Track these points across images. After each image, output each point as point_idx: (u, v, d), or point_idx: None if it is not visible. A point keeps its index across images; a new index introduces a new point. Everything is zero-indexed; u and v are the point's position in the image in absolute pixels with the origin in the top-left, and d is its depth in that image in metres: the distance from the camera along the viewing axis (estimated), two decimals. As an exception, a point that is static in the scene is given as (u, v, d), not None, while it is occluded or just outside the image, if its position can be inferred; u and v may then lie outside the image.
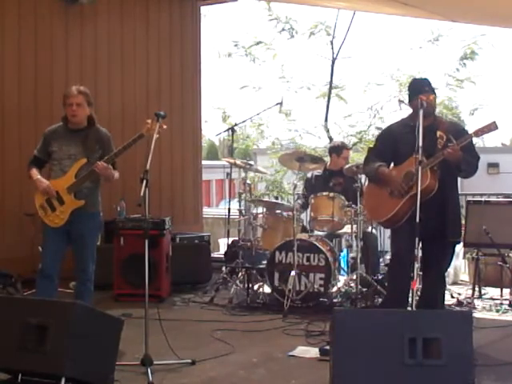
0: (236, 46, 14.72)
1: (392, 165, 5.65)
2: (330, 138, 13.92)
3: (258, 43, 14.49)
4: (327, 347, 4.87)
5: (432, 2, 8.09)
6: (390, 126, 5.89)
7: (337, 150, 7.97)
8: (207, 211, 12.61)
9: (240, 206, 7.83)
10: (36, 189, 5.66)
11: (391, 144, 5.59)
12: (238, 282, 7.35)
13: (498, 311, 6.80)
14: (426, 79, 5.66)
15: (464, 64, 13.82)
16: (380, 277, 7.19)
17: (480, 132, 5.18)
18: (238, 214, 7.79)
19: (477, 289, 7.39)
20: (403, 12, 9.40)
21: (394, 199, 5.45)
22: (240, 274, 7.43)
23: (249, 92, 15.07)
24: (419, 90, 5.45)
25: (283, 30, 14.13)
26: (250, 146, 15.75)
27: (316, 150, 13.34)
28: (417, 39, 14.55)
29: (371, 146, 6.41)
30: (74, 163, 5.63)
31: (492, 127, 5.13)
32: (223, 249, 9.30)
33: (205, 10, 11.90)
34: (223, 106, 15.31)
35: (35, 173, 5.68)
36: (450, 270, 7.98)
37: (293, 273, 6.81)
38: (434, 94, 5.45)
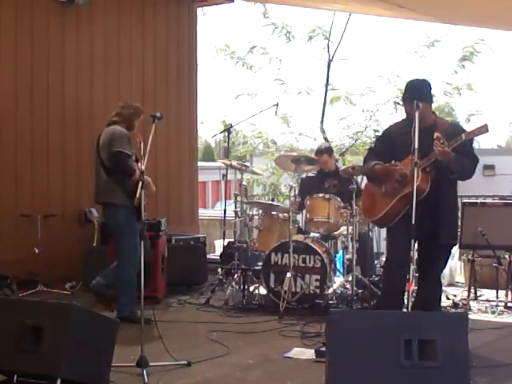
0: (232, 57, 14.67)
1: None
2: (326, 140, 13.92)
3: (252, 47, 14.45)
4: (323, 348, 4.86)
5: (426, 4, 8.11)
6: (390, 126, 5.91)
7: (315, 152, 8.06)
8: (203, 212, 12.62)
9: (236, 207, 7.84)
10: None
11: (389, 144, 5.61)
12: (233, 283, 7.35)
13: (493, 313, 6.80)
14: (421, 84, 5.60)
15: (463, 66, 13.82)
16: (375, 278, 7.21)
17: (471, 134, 5.19)
18: (233, 215, 7.79)
19: (472, 290, 7.40)
20: (398, 14, 9.43)
21: (387, 199, 5.47)
22: (236, 275, 7.43)
23: (245, 99, 14.98)
24: (403, 96, 5.50)
25: (280, 35, 14.11)
26: (250, 151, 15.70)
27: (312, 152, 13.31)
28: (413, 43, 14.51)
29: (369, 147, 6.43)
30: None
31: (483, 130, 5.13)
32: (219, 250, 9.30)
33: (204, 10, 11.98)
34: (222, 115, 15.28)
35: None
36: (446, 271, 8.00)
37: (288, 274, 6.81)
38: (425, 101, 5.35)
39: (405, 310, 5.06)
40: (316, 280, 6.92)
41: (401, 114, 5.87)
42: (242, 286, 7.19)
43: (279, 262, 7.03)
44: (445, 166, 5.24)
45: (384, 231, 6.43)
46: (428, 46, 14.02)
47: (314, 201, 7.29)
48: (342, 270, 7.63)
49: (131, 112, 6.35)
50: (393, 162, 5.48)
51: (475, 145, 5.92)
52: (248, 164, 9.54)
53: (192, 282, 8.02)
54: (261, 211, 7.81)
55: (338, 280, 7.43)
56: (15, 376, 4.22)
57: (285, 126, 14.77)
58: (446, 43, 14.00)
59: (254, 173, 8.94)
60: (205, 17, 13.62)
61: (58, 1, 8.47)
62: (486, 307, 6.99)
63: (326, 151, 8.08)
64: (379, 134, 9.21)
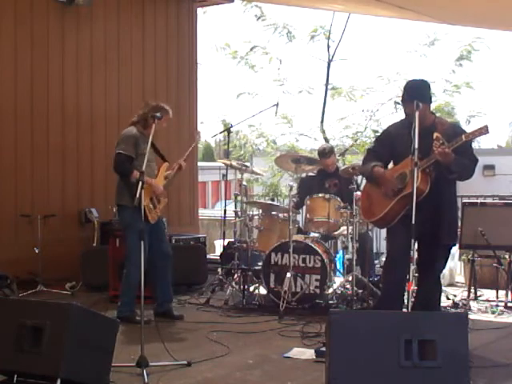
0: (234, 57, 14.66)
1: (391, 164, 5.67)
2: (326, 140, 13.93)
3: (253, 47, 14.45)
4: (323, 348, 4.87)
5: (426, 4, 8.11)
6: (389, 126, 5.89)
7: (320, 154, 8.00)
8: (203, 213, 12.61)
9: (236, 207, 7.84)
10: (147, 189, 5.90)
11: (388, 145, 5.60)
12: (233, 283, 7.35)
13: (493, 313, 6.80)
14: (420, 84, 5.60)
15: (460, 65, 13.83)
16: (375, 278, 7.21)
17: (471, 135, 5.18)
18: (233, 215, 7.79)
19: (472, 290, 7.39)
20: (400, 15, 9.43)
21: (386, 200, 5.47)
22: (236, 275, 7.43)
23: (246, 98, 14.98)
24: (403, 97, 5.49)
25: (281, 35, 14.13)
26: (250, 152, 15.68)
27: (312, 152, 13.32)
28: (414, 42, 14.53)
29: (368, 147, 6.42)
30: (160, 166, 6.46)
31: (483, 131, 5.12)
32: (219, 250, 9.31)
33: (204, 9, 11.99)
34: (222, 114, 15.29)
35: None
36: (446, 271, 8.01)
37: (288, 274, 6.81)
38: (425, 101, 5.30)
39: (405, 309, 5.06)
40: (316, 280, 6.92)
41: (401, 114, 5.87)
42: (241, 286, 7.18)
43: (279, 262, 7.03)
44: (444, 167, 5.24)
45: (384, 231, 6.42)
46: (428, 45, 14.04)
47: (314, 201, 7.28)
48: (342, 270, 7.63)
49: (146, 111, 6.39)
50: (390, 166, 5.51)
51: (475, 145, 5.91)
52: (248, 164, 9.53)
53: (192, 282, 8.02)
54: (261, 211, 7.81)
55: (338, 280, 7.42)
56: (15, 376, 4.22)
57: (286, 126, 14.79)
58: (446, 42, 14.04)
59: (254, 173, 8.94)
60: (205, 15, 13.62)
61: (57, 1, 8.47)
62: (486, 307, 6.99)
63: (331, 152, 7.99)
64: (379, 134, 9.20)
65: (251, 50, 14.46)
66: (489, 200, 8.55)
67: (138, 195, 4.96)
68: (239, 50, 14.64)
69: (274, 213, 7.56)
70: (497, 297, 7.26)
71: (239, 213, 7.71)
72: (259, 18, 14.03)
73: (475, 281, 7.47)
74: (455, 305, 7.06)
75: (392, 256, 5.63)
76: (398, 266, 5.38)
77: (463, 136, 5.17)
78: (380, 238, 7.74)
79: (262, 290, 7.19)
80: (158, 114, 5.65)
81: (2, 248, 7.80)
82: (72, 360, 4.10)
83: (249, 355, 5.34)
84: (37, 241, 7.59)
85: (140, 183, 4.98)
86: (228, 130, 8.31)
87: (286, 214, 7.29)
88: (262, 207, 7.97)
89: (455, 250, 8.11)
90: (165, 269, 6.51)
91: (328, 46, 14.34)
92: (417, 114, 5.05)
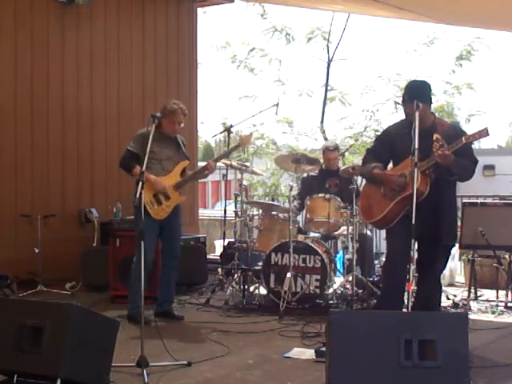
0: (233, 61, 14.67)
1: (391, 165, 5.67)
2: (326, 140, 13.93)
3: (252, 49, 14.46)
4: (323, 348, 4.87)
5: (426, 5, 8.11)
6: (389, 126, 5.90)
7: (326, 148, 8.02)
8: (203, 213, 12.61)
9: (236, 207, 7.83)
10: (148, 185, 5.83)
11: (388, 145, 5.61)
12: (233, 283, 7.35)
13: (493, 313, 6.80)
14: (421, 85, 5.60)
15: (460, 65, 13.84)
16: (375, 278, 7.21)
17: (471, 138, 5.18)
18: (233, 215, 7.79)
19: (472, 290, 7.39)
20: (399, 15, 9.43)
21: (386, 200, 5.47)
22: (236, 275, 7.43)
23: (246, 101, 14.98)
24: (403, 97, 5.49)
25: (280, 37, 14.16)
26: (251, 153, 15.67)
27: (312, 152, 13.33)
28: (412, 42, 14.56)
29: (368, 147, 6.42)
30: (176, 164, 6.42)
31: (483, 133, 5.13)
32: (219, 250, 9.30)
33: (204, 9, 12.00)
34: (223, 117, 15.30)
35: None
36: (446, 271, 8.00)
37: (289, 274, 6.81)
38: (425, 102, 5.31)
39: (405, 309, 5.06)
40: (316, 280, 6.92)
41: (401, 114, 5.90)
42: (241, 286, 7.18)
43: (279, 262, 7.03)
44: (444, 169, 5.24)
45: (384, 231, 6.43)
46: (427, 45, 14.05)
47: (314, 201, 7.28)
48: (342, 270, 7.63)
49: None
50: (390, 166, 5.50)
51: (475, 145, 5.90)
52: (248, 164, 9.52)
53: (192, 282, 8.01)
54: (261, 211, 7.81)
55: (338, 280, 7.43)
56: (15, 376, 4.22)
57: (286, 128, 14.82)
58: (445, 41, 14.07)
59: (254, 173, 8.93)
60: (205, 15, 13.62)
61: (57, 1, 8.46)
62: (486, 307, 6.98)
63: (337, 149, 8.01)
64: (379, 133, 9.21)
65: (250, 51, 14.46)
66: (489, 200, 8.54)
67: (137, 195, 4.96)
68: (239, 52, 14.65)
69: (274, 213, 7.56)
70: (497, 297, 7.25)
71: (239, 213, 7.71)
72: (262, 15, 14.05)
73: (475, 281, 7.47)
74: (455, 305, 7.06)
75: (392, 256, 5.64)
76: (398, 267, 5.39)
77: (463, 138, 5.17)
78: (380, 238, 7.74)
79: (262, 290, 7.19)
80: (158, 114, 5.63)
81: (2, 248, 7.80)
82: (72, 360, 4.10)
83: (249, 355, 5.34)
84: (37, 241, 7.58)
85: (140, 183, 4.98)
86: (228, 130, 8.30)
87: (285, 214, 7.29)
88: (262, 207, 7.97)
89: (455, 250, 8.11)
90: (170, 269, 6.51)
91: (327, 47, 14.36)
92: (417, 114, 5.05)
